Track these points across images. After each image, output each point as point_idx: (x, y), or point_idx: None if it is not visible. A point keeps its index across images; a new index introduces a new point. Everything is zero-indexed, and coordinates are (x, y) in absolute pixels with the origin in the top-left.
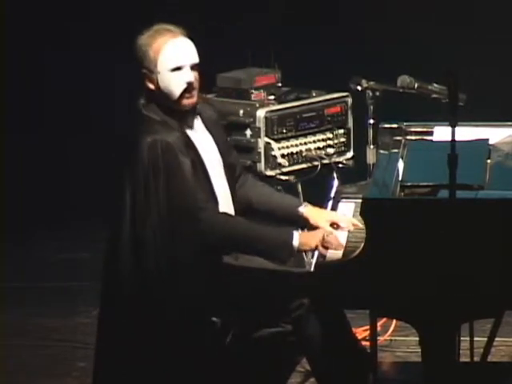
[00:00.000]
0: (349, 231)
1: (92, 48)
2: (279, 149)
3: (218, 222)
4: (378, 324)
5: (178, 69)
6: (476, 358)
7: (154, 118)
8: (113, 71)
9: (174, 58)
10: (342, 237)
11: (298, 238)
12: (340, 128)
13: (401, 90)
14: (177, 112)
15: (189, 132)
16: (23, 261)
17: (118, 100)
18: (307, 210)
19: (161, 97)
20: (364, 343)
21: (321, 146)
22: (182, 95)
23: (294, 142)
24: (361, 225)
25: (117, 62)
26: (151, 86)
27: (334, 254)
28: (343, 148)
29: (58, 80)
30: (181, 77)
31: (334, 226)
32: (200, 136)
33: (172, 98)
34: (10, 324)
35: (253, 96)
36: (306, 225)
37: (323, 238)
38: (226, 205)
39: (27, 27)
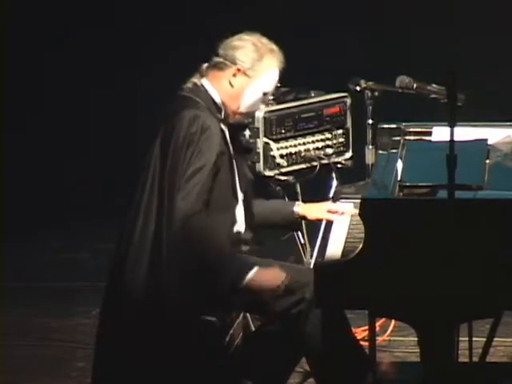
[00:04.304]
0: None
1: (93, 49)
2: (278, 149)
3: (200, 229)
4: (377, 324)
5: (265, 94)
6: (475, 359)
7: (197, 100)
8: (113, 71)
9: (272, 84)
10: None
11: (254, 272)
12: (339, 128)
13: (399, 91)
14: (219, 110)
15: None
16: (23, 261)
17: (118, 100)
18: (302, 208)
19: (226, 92)
20: (363, 343)
21: (319, 147)
22: (240, 112)
23: (292, 142)
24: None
25: (117, 66)
26: (229, 79)
27: (333, 251)
28: (342, 148)
29: (57, 78)
30: (260, 102)
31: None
32: None
33: (235, 103)
34: (10, 324)
35: None
36: (299, 226)
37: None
38: (240, 214)
39: (28, 27)
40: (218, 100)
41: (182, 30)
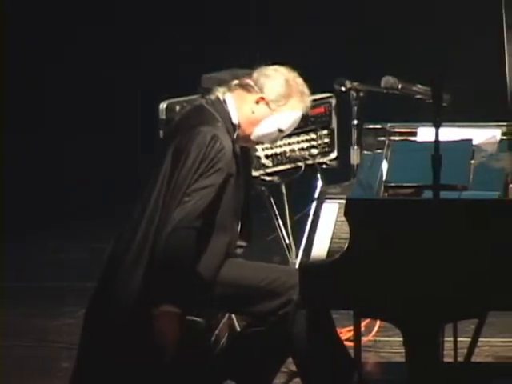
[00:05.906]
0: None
1: (93, 49)
2: (263, 149)
3: (184, 244)
4: (362, 324)
5: (280, 131)
6: (460, 359)
7: (216, 116)
8: (113, 71)
9: (292, 124)
10: None
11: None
12: (324, 129)
13: (385, 91)
14: (234, 130)
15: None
16: (23, 261)
17: (118, 100)
18: None
19: (245, 116)
20: (348, 344)
21: (305, 147)
22: (251, 139)
23: (277, 142)
24: None
25: (117, 66)
26: (253, 106)
27: (319, 251)
28: (327, 149)
29: (57, 78)
30: (275, 138)
31: None
32: None
33: (250, 129)
34: (9, 324)
35: None
36: None
37: None
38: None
39: (28, 27)
40: (234, 120)
41: (183, 30)
